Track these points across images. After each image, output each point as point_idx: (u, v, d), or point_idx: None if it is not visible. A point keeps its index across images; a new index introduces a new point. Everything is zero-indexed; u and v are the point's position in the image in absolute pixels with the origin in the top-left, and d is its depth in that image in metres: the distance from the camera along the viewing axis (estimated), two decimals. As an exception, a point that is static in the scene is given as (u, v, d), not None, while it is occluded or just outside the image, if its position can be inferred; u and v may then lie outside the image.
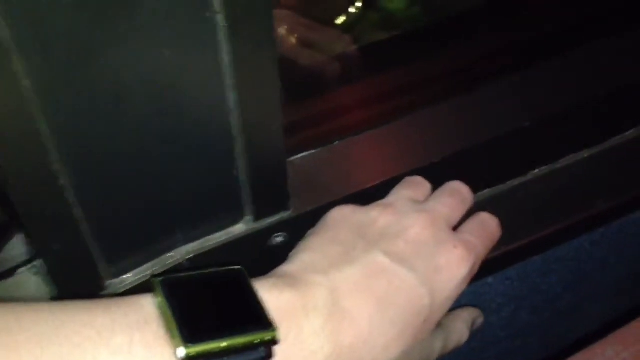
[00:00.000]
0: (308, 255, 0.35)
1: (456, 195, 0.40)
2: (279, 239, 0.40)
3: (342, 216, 0.38)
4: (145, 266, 0.37)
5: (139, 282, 0.37)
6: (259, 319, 0.30)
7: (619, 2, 0.54)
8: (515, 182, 0.47)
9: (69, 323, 0.27)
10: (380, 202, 0.40)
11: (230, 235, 0.39)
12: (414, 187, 0.41)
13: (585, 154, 0.50)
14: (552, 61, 0.49)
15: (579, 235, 0.51)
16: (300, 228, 0.40)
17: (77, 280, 0.34)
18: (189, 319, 0.29)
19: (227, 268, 0.33)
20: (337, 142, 0.43)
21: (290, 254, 0.36)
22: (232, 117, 0.32)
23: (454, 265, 0.36)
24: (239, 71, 0.30)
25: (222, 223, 0.39)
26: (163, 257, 0.38)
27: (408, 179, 0.42)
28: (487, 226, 0.40)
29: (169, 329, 0.28)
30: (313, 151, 0.43)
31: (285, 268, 0.35)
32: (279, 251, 0.40)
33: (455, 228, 0.39)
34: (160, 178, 0.33)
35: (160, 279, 0.30)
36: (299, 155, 0.42)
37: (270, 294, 0.31)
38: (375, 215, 0.38)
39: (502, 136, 0.44)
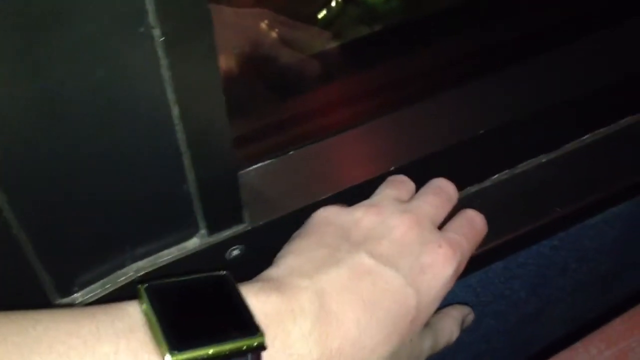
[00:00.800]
0: (293, 258, 0.35)
1: (441, 193, 0.40)
2: (235, 252, 0.40)
3: (326, 218, 0.38)
4: (95, 285, 0.36)
5: (90, 300, 0.36)
6: (246, 325, 0.30)
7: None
8: (472, 189, 0.47)
9: (53, 332, 0.27)
10: (364, 202, 0.40)
11: (184, 250, 0.38)
12: (398, 186, 0.41)
13: (543, 158, 0.50)
14: (510, 69, 0.49)
15: (539, 240, 0.51)
16: (256, 240, 0.40)
17: (22, 300, 0.33)
18: (175, 325, 0.28)
19: (213, 273, 0.32)
20: (292, 151, 0.43)
21: (276, 257, 0.36)
22: (178, 132, 0.32)
23: (439, 265, 0.36)
24: (179, 86, 0.30)
25: (175, 238, 0.38)
26: (114, 274, 0.37)
27: (391, 178, 0.42)
28: (473, 223, 0.40)
29: (154, 337, 0.28)
30: (268, 162, 0.42)
31: (271, 272, 0.35)
32: (236, 264, 0.40)
33: (441, 225, 0.39)
34: (105, 196, 0.33)
35: (146, 285, 0.30)
36: (254, 167, 0.42)
37: (257, 299, 0.31)
38: (360, 216, 0.38)
39: (458, 143, 0.44)
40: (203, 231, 0.38)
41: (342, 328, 0.32)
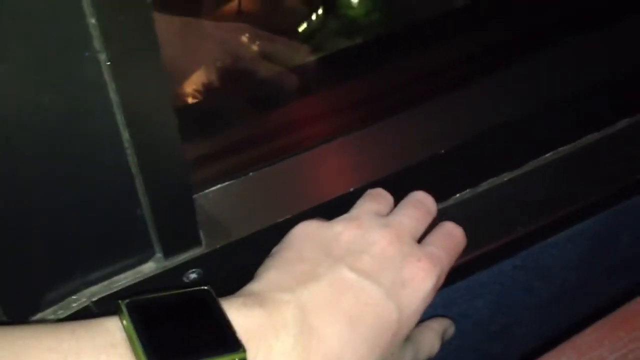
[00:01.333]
0: (274, 273, 0.35)
1: (420, 206, 0.41)
2: (193, 275, 0.39)
3: (306, 232, 0.38)
4: (47, 311, 0.35)
5: (42, 327, 0.35)
6: (228, 340, 0.30)
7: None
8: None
9: (33, 348, 0.27)
10: (344, 216, 0.40)
11: (140, 274, 0.38)
12: (377, 200, 0.41)
13: (505, 177, 0.50)
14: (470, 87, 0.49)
15: (501, 259, 0.51)
16: (215, 264, 0.39)
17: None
18: (156, 341, 0.28)
19: (194, 288, 0.32)
20: (251, 173, 0.43)
21: (257, 271, 0.36)
22: (129, 155, 0.31)
23: (419, 279, 0.36)
24: (128, 109, 0.29)
25: (130, 262, 0.37)
26: (67, 300, 0.36)
27: (370, 192, 0.42)
28: (451, 236, 0.40)
29: (135, 352, 0.28)
30: (227, 183, 0.42)
31: (252, 286, 0.34)
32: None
33: (421, 237, 0.40)
34: (54, 221, 0.32)
35: (126, 301, 0.30)
36: (212, 189, 0.41)
37: (239, 314, 0.31)
38: (340, 230, 0.38)
39: (418, 164, 0.44)
40: (159, 255, 0.38)
41: (325, 343, 0.32)
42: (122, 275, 0.38)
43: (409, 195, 0.42)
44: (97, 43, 0.26)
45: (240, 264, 0.38)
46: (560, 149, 0.52)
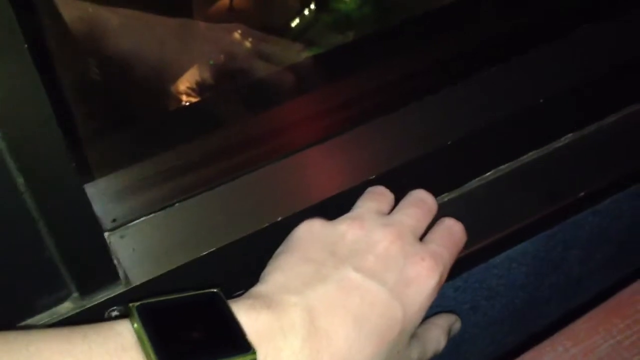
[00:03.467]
0: (280, 274, 0.35)
1: (422, 205, 0.41)
2: (114, 313, 0.39)
3: (310, 232, 0.38)
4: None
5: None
6: (238, 342, 0.30)
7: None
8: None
9: (45, 352, 0.27)
10: (346, 215, 0.40)
11: (56, 315, 0.37)
12: (378, 198, 0.41)
13: (445, 197, 0.49)
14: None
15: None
16: (136, 301, 0.38)
17: None
18: (167, 344, 0.29)
19: (203, 291, 0.33)
20: (176, 203, 0.42)
21: (262, 274, 0.36)
22: (27, 200, 0.31)
23: (423, 278, 0.37)
24: (20, 154, 0.28)
25: (45, 303, 0.37)
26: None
27: (371, 189, 0.42)
28: (452, 233, 0.41)
29: (146, 355, 0.28)
30: (150, 216, 0.41)
31: (260, 288, 0.35)
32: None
33: (422, 235, 0.40)
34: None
35: (137, 304, 0.31)
36: (133, 223, 0.40)
37: (248, 316, 0.32)
38: (344, 230, 0.38)
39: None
40: (75, 295, 0.37)
41: (332, 344, 0.33)
42: (38, 317, 0.37)
43: (410, 194, 0.42)
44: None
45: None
46: (499, 167, 0.51)
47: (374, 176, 0.43)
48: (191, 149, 0.46)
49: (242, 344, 0.30)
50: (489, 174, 0.51)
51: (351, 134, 0.46)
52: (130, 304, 0.30)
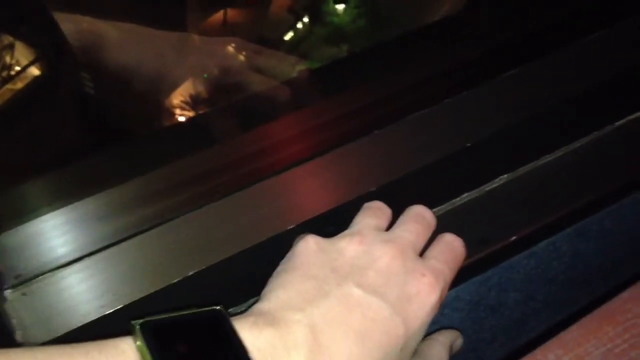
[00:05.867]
0: (283, 292, 0.36)
1: (420, 220, 0.41)
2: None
3: (310, 249, 0.38)
4: None
5: None
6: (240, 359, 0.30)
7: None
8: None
9: None
10: (346, 232, 0.40)
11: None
12: (377, 214, 0.41)
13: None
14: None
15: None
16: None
17: None
18: None
19: (206, 309, 0.33)
20: (87, 258, 0.40)
21: (264, 291, 0.37)
22: None
23: (424, 294, 0.37)
24: None
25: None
26: None
27: (369, 205, 0.42)
28: (452, 248, 0.41)
29: None
30: (47, 274, 0.39)
31: (262, 306, 0.35)
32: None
33: (421, 251, 0.40)
34: None
35: (140, 322, 0.30)
36: (29, 283, 0.38)
37: (250, 334, 0.32)
38: (343, 246, 0.38)
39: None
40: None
41: None
42: None
43: (409, 209, 0.42)
44: None
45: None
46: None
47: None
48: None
49: None
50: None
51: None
52: (133, 322, 0.30)
